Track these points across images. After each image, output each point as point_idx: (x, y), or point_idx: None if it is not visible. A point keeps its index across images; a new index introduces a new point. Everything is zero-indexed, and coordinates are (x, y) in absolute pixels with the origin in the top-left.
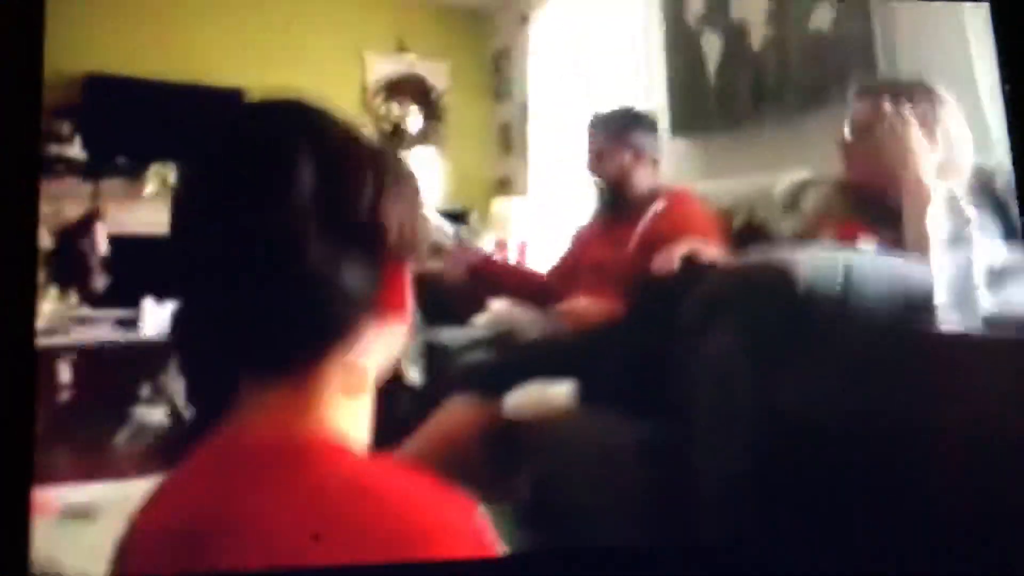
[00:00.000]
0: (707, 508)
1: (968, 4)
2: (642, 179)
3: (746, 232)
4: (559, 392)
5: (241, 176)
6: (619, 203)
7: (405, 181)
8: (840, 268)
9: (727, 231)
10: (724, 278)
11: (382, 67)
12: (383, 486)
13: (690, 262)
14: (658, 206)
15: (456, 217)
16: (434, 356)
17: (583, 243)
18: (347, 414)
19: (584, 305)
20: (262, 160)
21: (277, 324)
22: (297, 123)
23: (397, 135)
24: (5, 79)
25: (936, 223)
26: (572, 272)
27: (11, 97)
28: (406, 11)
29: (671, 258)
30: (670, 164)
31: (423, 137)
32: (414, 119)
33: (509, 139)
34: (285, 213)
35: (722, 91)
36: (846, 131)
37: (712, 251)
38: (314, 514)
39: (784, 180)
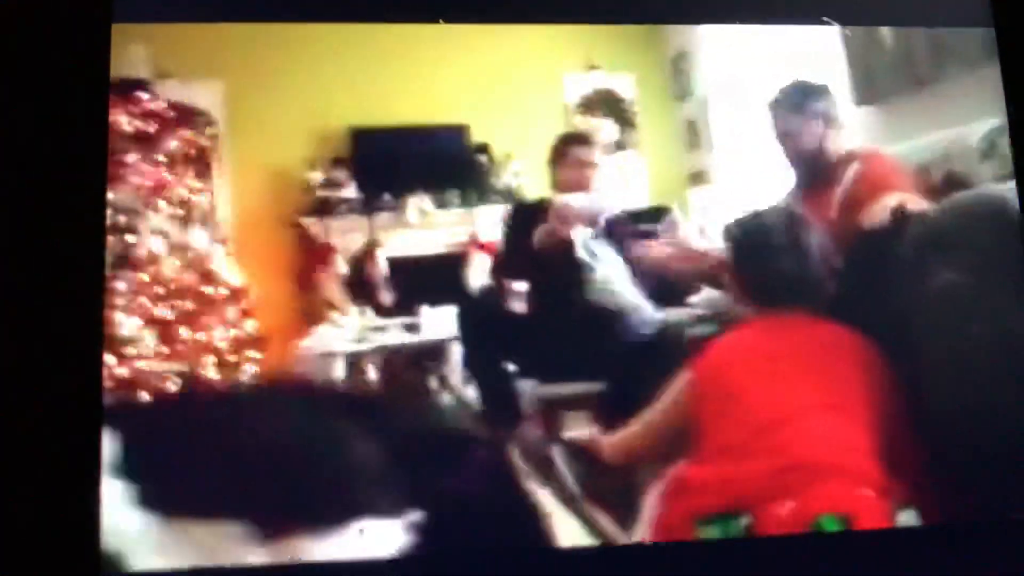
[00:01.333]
0: (945, 441)
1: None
2: (831, 145)
3: (947, 185)
4: None
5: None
6: (813, 172)
7: None
8: None
9: (928, 186)
10: (938, 218)
11: (577, 86)
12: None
13: (900, 212)
14: (853, 168)
15: (658, 212)
16: (664, 333)
17: None
18: None
19: None
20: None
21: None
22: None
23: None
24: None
25: None
26: None
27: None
28: (593, 33)
29: (881, 210)
30: (858, 133)
31: (619, 144)
32: (609, 128)
33: (696, 134)
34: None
35: (899, 54)
36: None
37: (919, 202)
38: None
39: (977, 129)
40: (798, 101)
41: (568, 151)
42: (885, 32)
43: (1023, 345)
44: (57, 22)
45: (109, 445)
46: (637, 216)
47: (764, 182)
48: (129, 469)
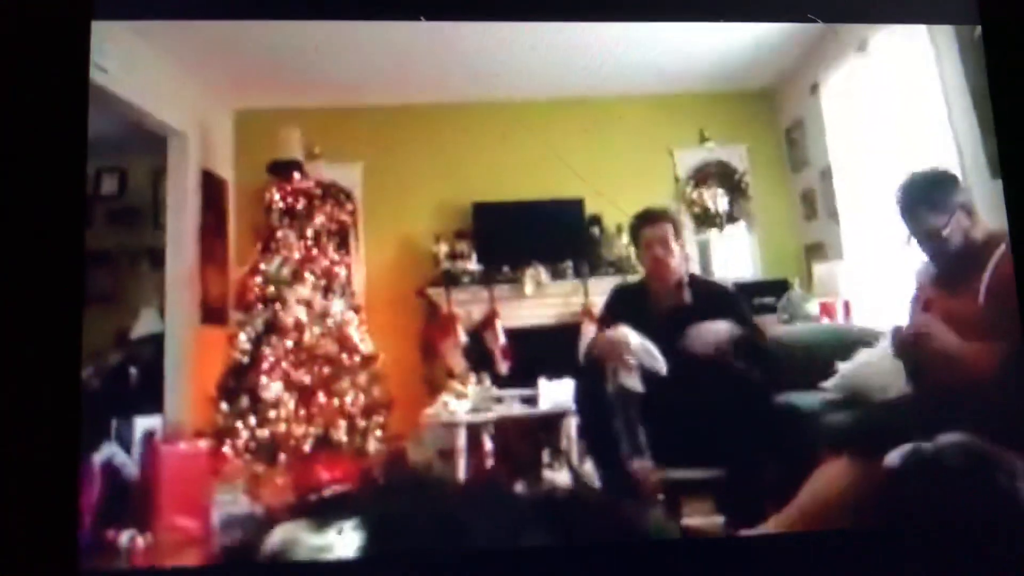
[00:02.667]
0: None
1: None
2: (970, 232)
3: None
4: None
5: None
6: (954, 259)
7: None
8: None
9: None
10: None
11: (688, 159)
12: None
13: None
14: (1000, 252)
15: (775, 286)
16: (790, 417)
17: (925, 301)
18: None
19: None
20: None
21: None
22: None
23: (708, 217)
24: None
25: None
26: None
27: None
28: (705, 104)
29: None
30: (994, 209)
31: (731, 216)
32: (721, 200)
33: (813, 205)
34: None
35: None
36: None
37: None
38: None
39: None
40: (930, 197)
41: (641, 232)
42: None
43: None
44: (38, 18)
45: None
46: (753, 289)
47: (890, 257)
48: None
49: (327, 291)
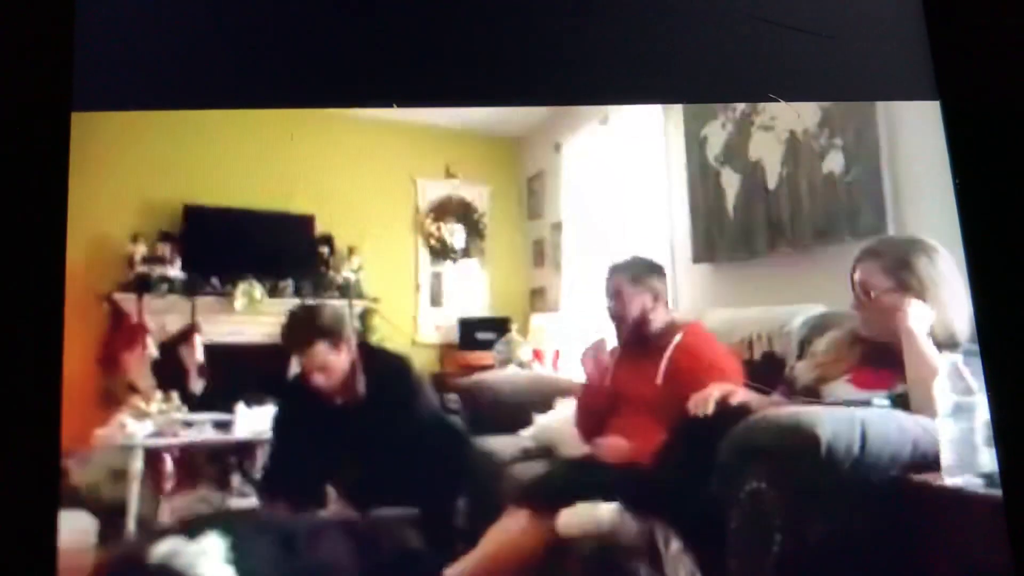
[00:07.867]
0: None
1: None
2: (658, 317)
3: (764, 364)
4: (606, 513)
5: None
6: (639, 339)
7: None
8: (857, 428)
9: (746, 362)
10: (759, 431)
11: (431, 191)
12: None
13: (723, 405)
14: (676, 341)
15: (498, 324)
16: (485, 463)
17: (612, 373)
18: None
19: (619, 444)
20: None
21: None
22: None
23: (443, 250)
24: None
25: (941, 393)
26: (608, 397)
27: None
28: (453, 141)
29: (706, 401)
30: (691, 290)
31: (466, 252)
32: (458, 236)
33: (543, 253)
34: None
35: (740, 223)
36: (855, 290)
37: (741, 393)
38: None
39: (799, 315)
40: (635, 274)
41: (311, 343)
42: (729, 201)
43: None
44: (17, 109)
45: None
46: (479, 325)
47: (603, 314)
48: None
49: None
